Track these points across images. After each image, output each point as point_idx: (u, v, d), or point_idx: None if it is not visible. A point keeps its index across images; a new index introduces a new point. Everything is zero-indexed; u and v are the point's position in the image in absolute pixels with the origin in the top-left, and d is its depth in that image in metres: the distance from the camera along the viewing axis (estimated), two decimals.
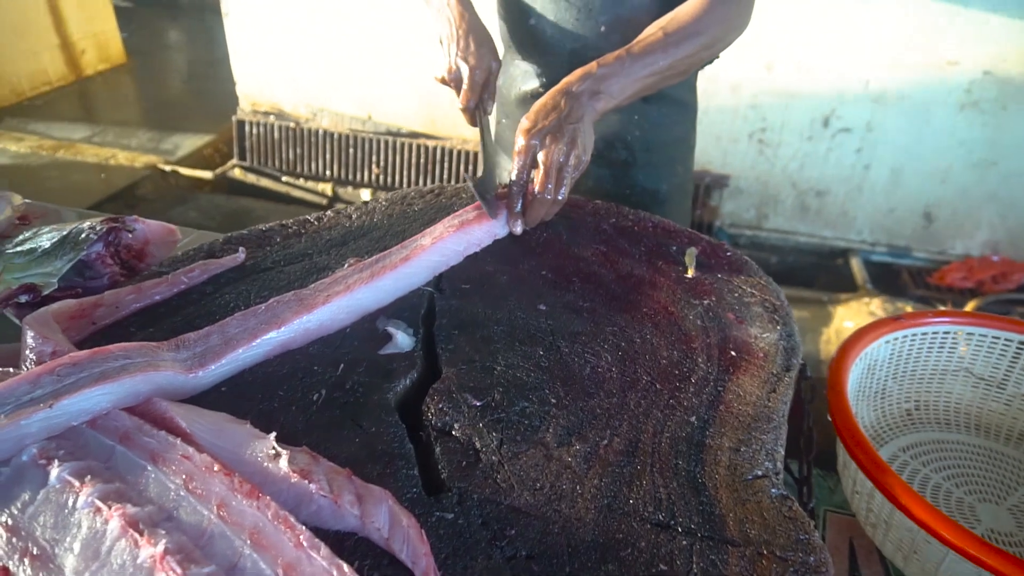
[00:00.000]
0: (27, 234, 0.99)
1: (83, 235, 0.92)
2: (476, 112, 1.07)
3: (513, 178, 0.91)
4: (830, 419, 0.79)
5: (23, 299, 0.87)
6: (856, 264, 3.27)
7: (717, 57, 1.08)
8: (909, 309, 2.97)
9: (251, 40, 3.69)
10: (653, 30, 0.99)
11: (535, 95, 1.24)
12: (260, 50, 3.70)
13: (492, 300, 0.84)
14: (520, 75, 1.26)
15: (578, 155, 0.90)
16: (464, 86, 1.05)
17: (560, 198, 0.91)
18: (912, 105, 3.01)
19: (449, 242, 0.87)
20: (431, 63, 1.13)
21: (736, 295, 0.88)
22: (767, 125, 3.20)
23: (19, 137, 4.00)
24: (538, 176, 0.90)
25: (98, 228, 0.94)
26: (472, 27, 1.07)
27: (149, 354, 0.67)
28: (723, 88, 3.15)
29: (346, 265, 0.85)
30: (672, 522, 0.59)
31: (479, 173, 1.00)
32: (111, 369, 0.63)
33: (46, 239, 0.95)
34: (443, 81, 1.10)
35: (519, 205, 0.92)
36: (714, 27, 1.00)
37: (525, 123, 0.91)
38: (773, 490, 0.63)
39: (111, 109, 4.56)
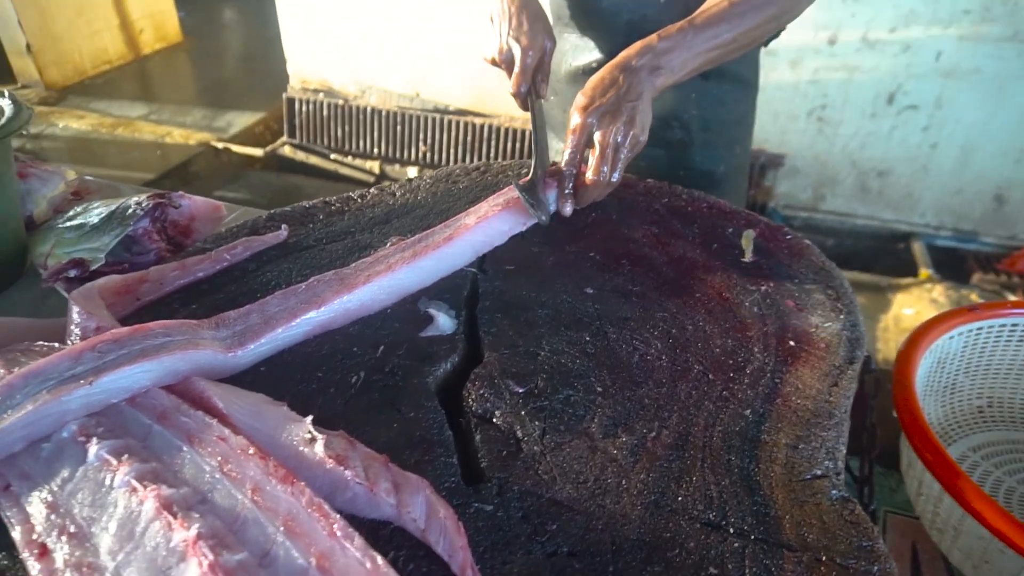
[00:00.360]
0: (78, 209, 1.00)
1: (130, 210, 0.93)
2: (528, 97, 0.99)
3: (566, 158, 0.87)
4: (895, 415, 0.74)
5: (72, 274, 0.88)
6: (918, 248, 3.12)
7: (784, 29, 1.02)
8: (975, 297, 2.82)
9: (302, 18, 3.70)
10: None
11: (587, 70, 1.19)
12: (310, 28, 3.71)
13: (537, 282, 0.81)
14: (570, 49, 1.21)
15: (635, 135, 0.85)
16: (516, 68, 0.97)
17: (614, 180, 0.87)
18: (986, 80, 2.84)
19: (494, 222, 0.84)
20: (479, 40, 1.07)
21: (796, 281, 0.83)
22: (828, 102, 3.06)
23: (81, 115, 4.12)
24: (593, 157, 0.85)
25: (145, 204, 0.94)
26: (526, 3, 1.00)
27: (189, 332, 0.66)
28: (782, 63, 3.02)
29: (388, 244, 0.83)
30: (723, 522, 0.56)
31: (530, 171, 0.89)
32: (151, 347, 0.63)
33: (95, 214, 0.95)
34: (493, 62, 1.02)
35: (570, 186, 0.88)
36: None
37: (581, 100, 0.86)
38: (833, 491, 0.59)
39: (168, 87, 4.66)
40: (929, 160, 3.06)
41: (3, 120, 0.90)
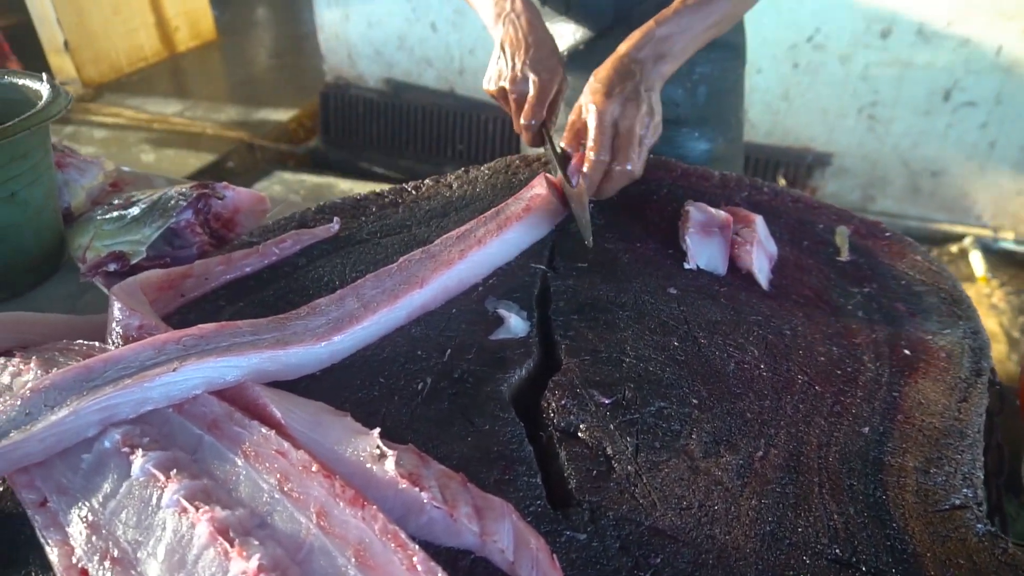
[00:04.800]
0: (118, 200, 0.95)
1: (172, 202, 0.87)
2: (541, 130, 0.90)
3: (596, 146, 0.81)
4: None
5: (112, 267, 0.83)
6: (975, 252, 2.99)
7: None
8: None
9: (338, 15, 3.66)
10: None
11: (572, 53, 1.12)
12: (346, 24, 3.67)
13: (614, 281, 0.73)
14: (555, 36, 1.14)
15: (657, 125, 0.84)
16: (530, 98, 0.89)
17: (638, 172, 0.84)
18: None
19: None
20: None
21: (903, 283, 0.74)
22: (879, 99, 2.94)
23: (117, 112, 4.13)
24: (621, 147, 0.82)
25: (188, 194, 0.89)
26: (543, 37, 0.92)
27: (278, 330, 0.61)
28: (831, 58, 2.90)
29: None
30: (854, 559, 0.48)
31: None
32: (238, 344, 0.57)
33: (136, 206, 0.90)
34: (497, 94, 0.94)
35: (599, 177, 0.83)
36: None
37: (598, 87, 0.83)
38: (979, 525, 0.51)
39: (202, 84, 4.66)
40: (987, 159, 2.92)
41: (41, 105, 0.85)
